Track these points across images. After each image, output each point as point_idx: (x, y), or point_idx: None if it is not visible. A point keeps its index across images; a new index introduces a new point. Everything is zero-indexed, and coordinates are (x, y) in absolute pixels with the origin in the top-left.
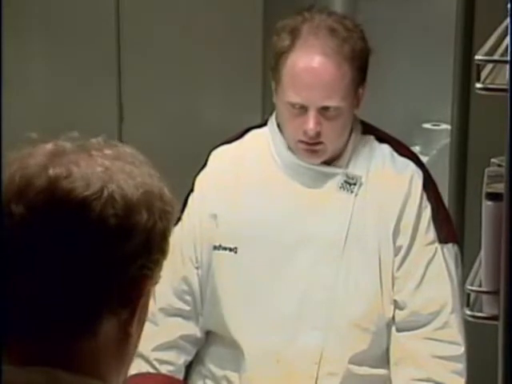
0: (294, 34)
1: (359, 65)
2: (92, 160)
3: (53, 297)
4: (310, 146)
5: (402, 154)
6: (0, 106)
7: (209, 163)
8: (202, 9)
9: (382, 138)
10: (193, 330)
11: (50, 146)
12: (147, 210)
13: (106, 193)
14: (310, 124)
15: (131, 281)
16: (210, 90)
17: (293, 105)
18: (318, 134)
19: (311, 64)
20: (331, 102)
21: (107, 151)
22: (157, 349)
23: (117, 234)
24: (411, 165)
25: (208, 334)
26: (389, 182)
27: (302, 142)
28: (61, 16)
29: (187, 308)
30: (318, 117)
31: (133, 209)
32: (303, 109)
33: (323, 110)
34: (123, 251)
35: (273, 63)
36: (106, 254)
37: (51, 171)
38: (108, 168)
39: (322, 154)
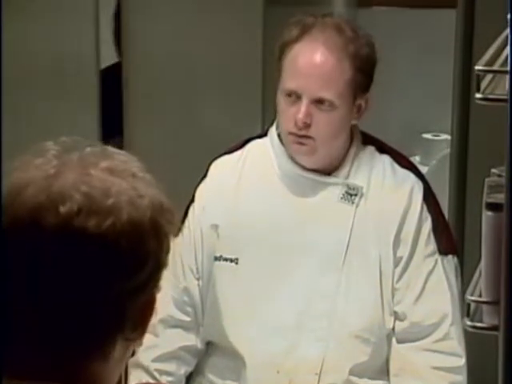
0: (304, 28)
1: (362, 68)
2: (93, 181)
3: (68, 324)
4: (299, 138)
5: (402, 165)
6: (0, 106)
7: (209, 173)
8: (202, 20)
9: (383, 148)
10: (193, 340)
11: (48, 168)
12: (155, 233)
13: (118, 226)
14: (300, 113)
15: (143, 305)
16: (210, 101)
17: (289, 93)
18: (308, 126)
19: (312, 54)
20: (326, 94)
21: (103, 164)
22: (157, 360)
23: (131, 266)
24: (411, 176)
25: (208, 344)
26: (389, 193)
27: (292, 133)
28: None
29: (188, 319)
30: (311, 108)
31: (144, 237)
32: (298, 99)
33: (317, 103)
34: (136, 280)
35: (277, 54)
36: (121, 286)
37: (62, 209)
38: (113, 195)
39: (311, 151)
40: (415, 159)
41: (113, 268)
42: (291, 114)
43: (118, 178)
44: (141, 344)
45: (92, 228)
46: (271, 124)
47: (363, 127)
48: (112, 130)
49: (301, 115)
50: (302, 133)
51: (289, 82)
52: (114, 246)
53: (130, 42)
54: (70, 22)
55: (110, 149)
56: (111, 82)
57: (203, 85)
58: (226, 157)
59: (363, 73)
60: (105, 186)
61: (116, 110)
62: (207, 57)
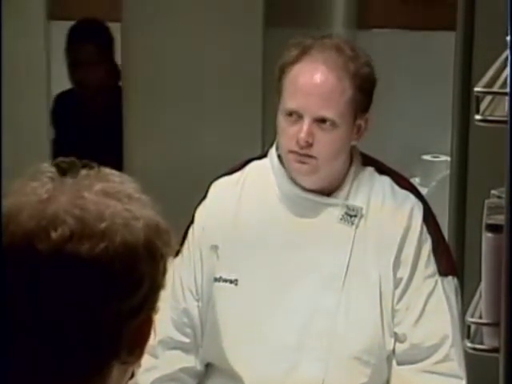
0: (303, 49)
1: (362, 87)
2: (86, 204)
3: (64, 349)
4: (301, 156)
5: (402, 186)
6: (0, 109)
7: (209, 195)
8: (202, 41)
9: (382, 169)
10: (193, 362)
11: (42, 192)
12: (150, 255)
13: (111, 250)
14: (302, 132)
15: (139, 327)
16: (210, 122)
17: (290, 113)
18: (310, 145)
19: (312, 73)
20: (327, 113)
21: (97, 186)
22: (157, 382)
23: (125, 289)
24: (411, 197)
25: (208, 366)
26: (389, 214)
27: (293, 152)
28: None
29: (187, 340)
30: (313, 127)
31: (138, 259)
32: (299, 118)
33: (319, 122)
34: (131, 303)
35: (277, 75)
36: (115, 309)
37: (53, 234)
38: (107, 218)
39: (312, 171)
40: (415, 180)
41: (106, 291)
42: (292, 134)
43: (112, 199)
44: (139, 365)
45: (85, 252)
46: (271, 145)
47: (363, 148)
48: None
49: (303, 134)
50: (304, 152)
51: (290, 101)
52: (107, 270)
53: (129, 64)
54: None
55: (106, 170)
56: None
57: (203, 106)
58: (226, 178)
59: (363, 92)
60: (98, 209)
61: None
62: (207, 78)
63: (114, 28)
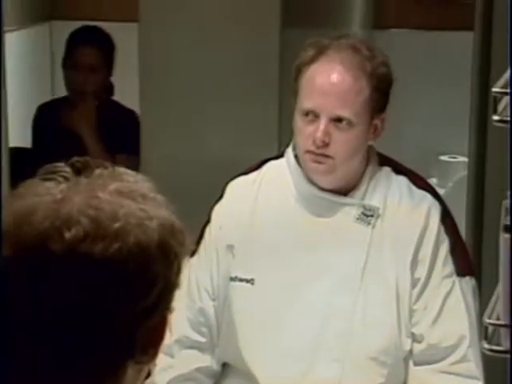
0: (320, 49)
1: (379, 87)
2: (101, 204)
3: (78, 350)
4: (317, 156)
5: (419, 186)
6: (0, 107)
7: (225, 194)
8: (219, 42)
9: (399, 169)
10: (209, 362)
11: (56, 192)
12: (164, 255)
13: (125, 250)
14: (319, 132)
15: (153, 327)
16: (226, 122)
17: (306, 113)
18: (326, 145)
19: (329, 73)
20: (344, 113)
21: (112, 186)
22: (173, 381)
23: (139, 289)
24: (428, 197)
25: (224, 366)
26: (406, 214)
27: (309, 152)
28: None
29: (203, 340)
30: (329, 127)
31: (151, 260)
32: (316, 118)
33: (335, 122)
34: (145, 304)
35: (294, 75)
36: (129, 310)
37: (67, 235)
38: (121, 218)
39: (329, 171)
40: (432, 181)
41: (120, 292)
42: (309, 133)
43: (127, 199)
44: (155, 365)
45: (98, 253)
46: (287, 145)
47: (380, 148)
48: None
49: (319, 134)
50: (320, 151)
51: (306, 101)
52: (120, 270)
53: (146, 64)
54: None
55: (120, 169)
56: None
57: (219, 106)
58: (243, 177)
59: (380, 91)
60: (112, 209)
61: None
62: (224, 78)
63: (131, 28)
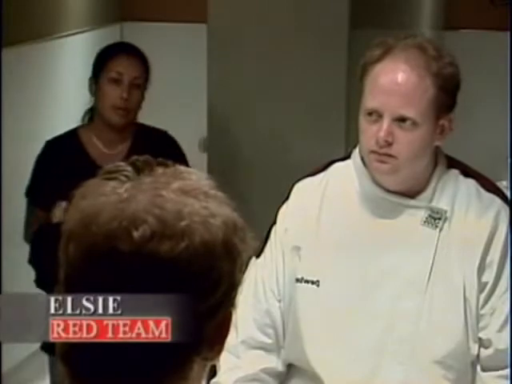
0: (386, 49)
1: (445, 87)
2: (165, 203)
3: (146, 348)
4: (381, 156)
5: (487, 190)
6: (0, 108)
7: (292, 196)
8: (288, 43)
9: (468, 172)
10: (274, 363)
11: (121, 191)
12: (228, 253)
13: (191, 249)
14: (382, 131)
15: (219, 324)
16: (295, 123)
17: (370, 112)
18: (389, 145)
19: (394, 71)
20: (407, 112)
21: (175, 184)
22: (239, 381)
23: (205, 287)
24: (497, 201)
25: (289, 367)
26: (474, 217)
27: (373, 152)
28: None
29: (269, 341)
30: (392, 127)
31: (216, 258)
32: (379, 118)
33: (399, 122)
34: (211, 302)
35: (359, 75)
36: (196, 309)
37: (135, 234)
38: (186, 216)
39: (392, 170)
40: (502, 184)
41: (187, 291)
42: (372, 133)
43: (190, 197)
44: (218, 361)
45: (165, 252)
46: (354, 146)
47: (448, 151)
48: None
49: (382, 133)
50: (384, 151)
51: (370, 100)
52: (187, 269)
53: (215, 65)
54: None
55: (181, 168)
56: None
57: (288, 107)
58: (309, 179)
59: (446, 92)
60: (177, 208)
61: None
62: (292, 79)
63: (200, 28)
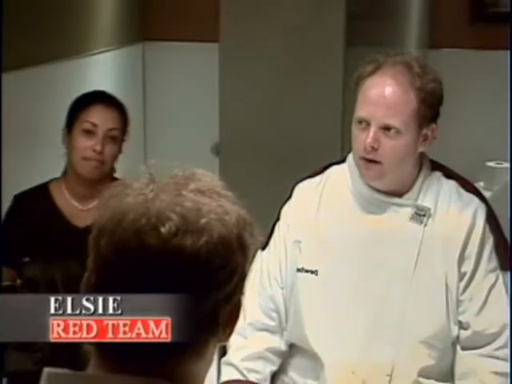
0: (377, 65)
1: (427, 100)
2: (185, 202)
3: (172, 329)
4: (368, 162)
5: (467, 190)
6: (0, 108)
7: (293, 196)
8: (296, 59)
9: (449, 174)
10: (278, 343)
11: (147, 192)
12: (241, 247)
13: (210, 243)
14: (368, 138)
15: (231, 309)
16: (295, 130)
17: (360, 120)
18: (375, 150)
19: (381, 85)
20: (392, 122)
21: (192, 185)
22: (246, 359)
23: (222, 278)
24: (475, 200)
25: (291, 346)
26: (455, 214)
27: (362, 158)
28: None
29: (273, 323)
30: (378, 134)
31: (232, 251)
32: (368, 126)
33: (384, 130)
34: (226, 290)
35: (352, 87)
36: (214, 297)
37: (163, 229)
38: (205, 214)
39: (378, 175)
40: (479, 185)
41: (207, 282)
42: (361, 140)
43: (206, 197)
44: (228, 342)
45: (189, 246)
46: (349, 152)
47: (431, 155)
48: None
49: (369, 140)
50: (370, 157)
51: (360, 110)
52: (207, 262)
53: (226, 83)
54: None
55: (196, 170)
56: None
57: (287, 118)
58: (308, 181)
59: (428, 105)
60: (196, 206)
61: None
62: (291, 94)
63: (212, 48)
